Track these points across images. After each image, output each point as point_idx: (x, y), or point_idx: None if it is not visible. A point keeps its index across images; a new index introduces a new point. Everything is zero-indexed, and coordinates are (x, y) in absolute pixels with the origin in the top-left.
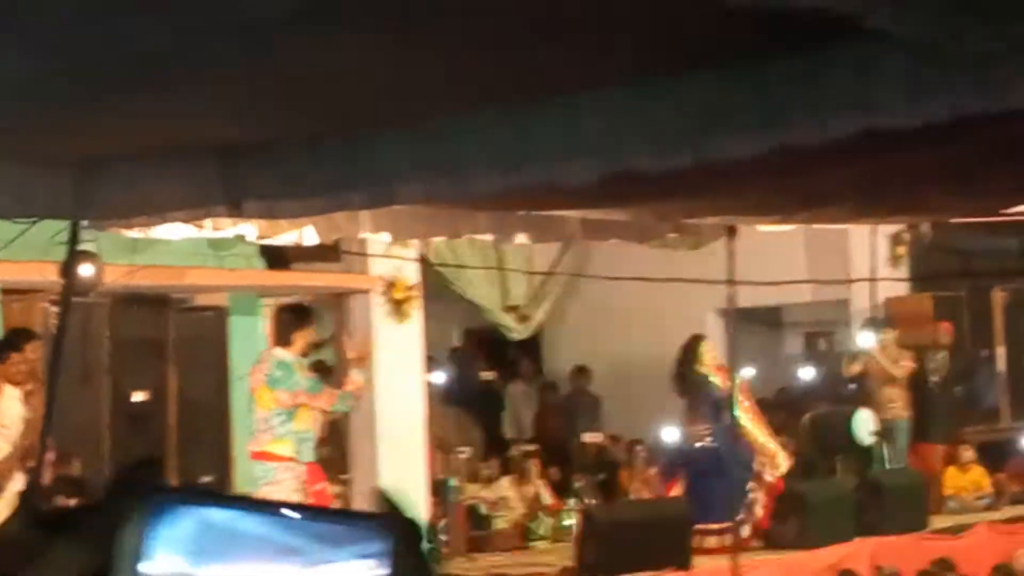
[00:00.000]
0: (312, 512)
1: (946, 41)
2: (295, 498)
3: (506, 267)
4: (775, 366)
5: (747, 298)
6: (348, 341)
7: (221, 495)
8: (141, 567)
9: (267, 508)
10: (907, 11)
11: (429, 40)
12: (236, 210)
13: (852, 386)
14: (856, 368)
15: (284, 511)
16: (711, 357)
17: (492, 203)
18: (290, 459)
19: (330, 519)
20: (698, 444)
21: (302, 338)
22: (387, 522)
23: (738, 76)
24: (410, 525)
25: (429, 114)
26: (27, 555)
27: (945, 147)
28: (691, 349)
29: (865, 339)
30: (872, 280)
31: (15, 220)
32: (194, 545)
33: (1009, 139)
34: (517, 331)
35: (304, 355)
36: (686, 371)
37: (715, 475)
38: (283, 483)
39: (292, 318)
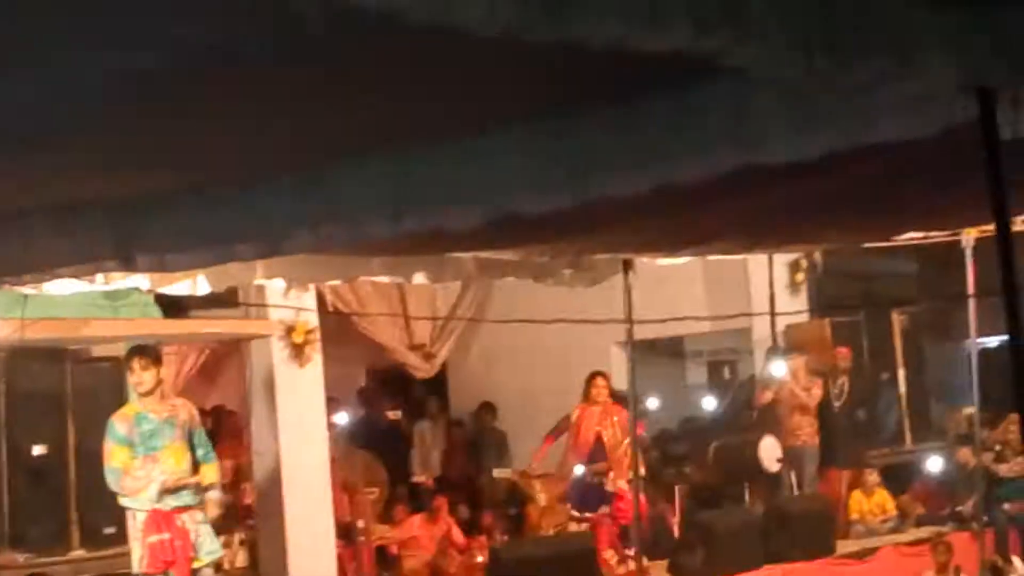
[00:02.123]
0: None
1: (806, 80)
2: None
3: (406, 311)
4: (680, 396)
5: (649, 330)
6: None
7: None
8: None
9: None
10: (761, 52)
11: (314, 90)
12: (127, 264)
13: (755, 414)
14: (768, 396)
15: None
16: (598, 393)
17: (383, 248)
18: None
19: None
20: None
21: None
22: None
23: (616, 116)
24: None
25: (315, 163)
26: None
27: (828, 179)
28: (586, 385)
29: (776, 367)
30: (771, 312)
31: None
32: None
33: (888, 169)
34: (422, 370)
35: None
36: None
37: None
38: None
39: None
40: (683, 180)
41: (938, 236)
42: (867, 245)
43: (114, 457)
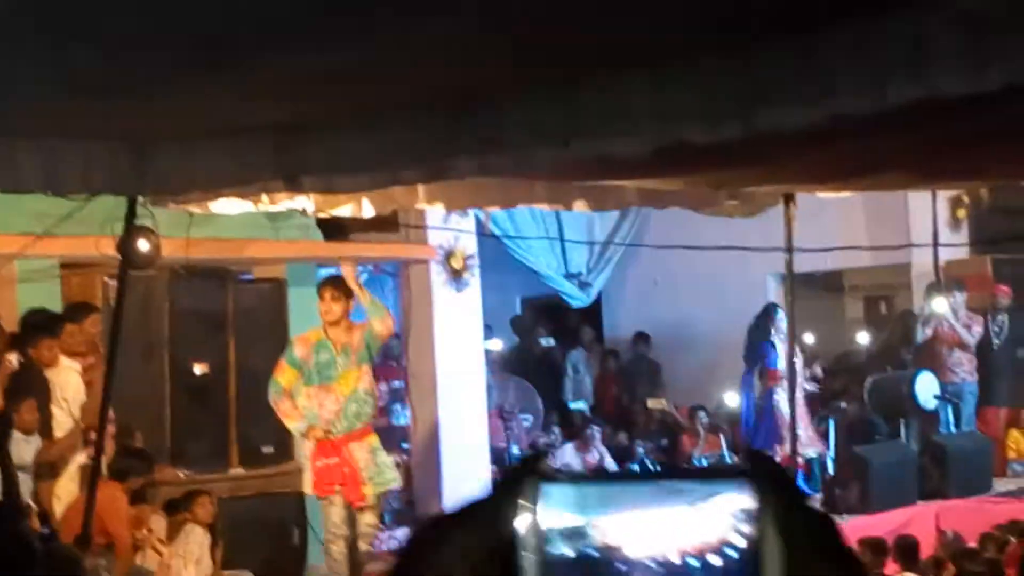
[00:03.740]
0: (676, 469)
1: (1000, 9)
2: None
3: (564, 236)
4: (836, 330)
5: (807, 263)
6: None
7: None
8: (543, 545)
9: (635, 474)
10: None
11: (478, 20)
12: (292, 185)
13: (913, 350)
14: (928, 332)
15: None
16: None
17: (546, 175)
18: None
19: (695, 474)
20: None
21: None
22: (753, 472)
23: (788, 48)
24: (780, 475)
25: (479, 92)
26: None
27: (1003, 111)
28: (764, 317)
29: (936, 303)
30: (933, 245)
31: (73, 196)
32: (581, 509)
33: None
34: (577, 299)
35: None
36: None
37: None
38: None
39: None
40: (856, 112)
41: None
42: None
43: (282, 375)
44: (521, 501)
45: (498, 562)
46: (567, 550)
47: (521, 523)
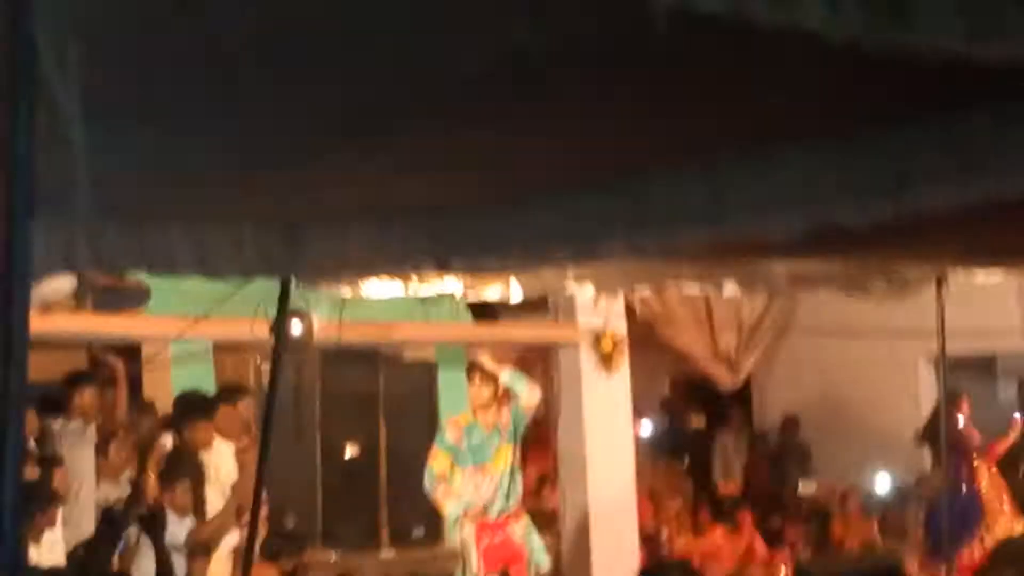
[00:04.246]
0: None
1: None
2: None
3: (712, 321)
4: (991, 413)
5: (959, 346)
6: None
7: None
8: None
9: None
10: None
11: (629, 99)
12: (442, 265)
13: None
14: None
15: None
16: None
17: (694, 256)
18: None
19: None
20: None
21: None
22: None
23: (939, 126)
24: None
25: (629, 171)
26: None
27: None
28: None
29: None
30: None
31: (227, 278)
32: None
33: None
34: (726, 381)
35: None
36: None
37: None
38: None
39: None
40: (1009, 192)
41: None
42: None
43: (436, 461)
44: None
45: None
46: None
47: None
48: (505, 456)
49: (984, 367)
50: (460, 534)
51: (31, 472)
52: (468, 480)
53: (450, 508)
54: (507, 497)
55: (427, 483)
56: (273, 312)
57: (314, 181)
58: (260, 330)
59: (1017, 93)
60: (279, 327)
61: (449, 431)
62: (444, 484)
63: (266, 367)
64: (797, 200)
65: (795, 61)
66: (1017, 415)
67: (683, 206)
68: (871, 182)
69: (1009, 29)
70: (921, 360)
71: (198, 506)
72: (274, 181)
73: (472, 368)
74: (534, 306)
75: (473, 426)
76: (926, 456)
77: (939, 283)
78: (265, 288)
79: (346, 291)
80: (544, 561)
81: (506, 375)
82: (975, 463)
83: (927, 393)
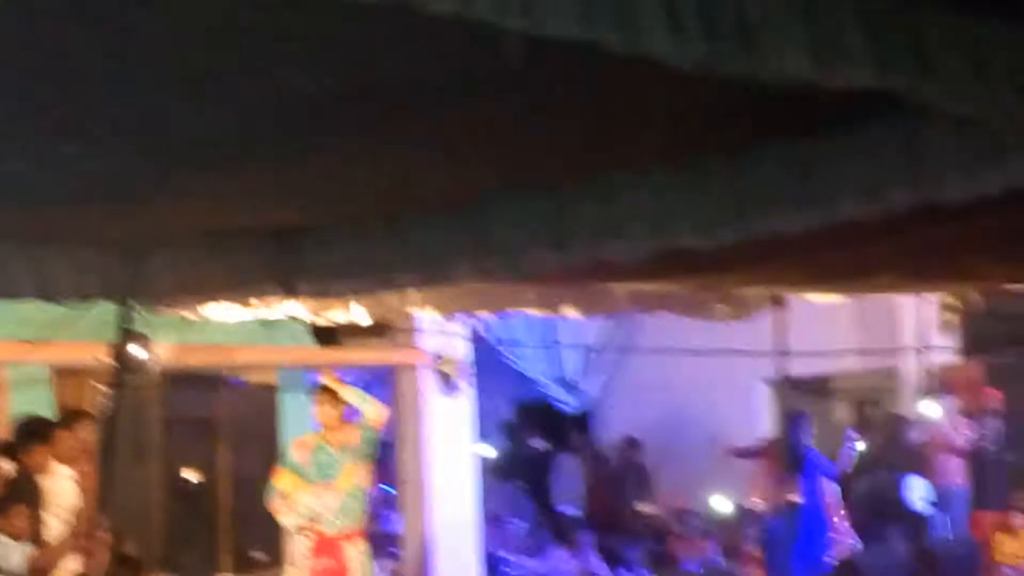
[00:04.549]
0: None
1: (994, 115)
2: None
3: (558, 341)
4: (826, 434)
5: (796, 367)
6: None
7: None
8: None
9: None
10: (955, 88)
11: (476, 125)
12: (286, 289)
13: (903, 454)
14: (919, 436)
15: None
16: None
17: (540, 279)
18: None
19: None
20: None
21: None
22: None
23: (781, 153)
24: None
25: (476, 196)
26: None
27: (996, 216)
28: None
29: (927, 407)
30: (922, 349)
31: (66, 302)
32: None
33: None
34: (569, 404)
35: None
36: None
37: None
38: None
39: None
40: (850, 218)
41: None
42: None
43: (280, 480)
44: None
45: None
46: None
47: None
48: (353, 475)
49: (820, 388)
50: (294, 547)
51: None
52: (311, 494)
53: (288, 519)
54: (351, 513)
55: (268, 498)
56: (114, 336)
57: (156, 206)
58: (100, 354)
59: (859, 121)
60: (119, 351)
61: (295, 451)
62: (283, 499)
63: (107, 391)
64: (642, 225)
65: (642, 89)
66: (854, 435)
67: (529, 231)
68: (715, 208)
69: (854, 57)
70: (758, 382)
71: (35, 532)
72: (115, 206)
73: (318, 391)
74: (376, 328)
75: (321, 447)
76: (761, 475)
77: (778, 302)
78: (105, 312)
79: (188, 314)
80: None
81: (349, 393)
82: (820, 481)
83: (765, 413)
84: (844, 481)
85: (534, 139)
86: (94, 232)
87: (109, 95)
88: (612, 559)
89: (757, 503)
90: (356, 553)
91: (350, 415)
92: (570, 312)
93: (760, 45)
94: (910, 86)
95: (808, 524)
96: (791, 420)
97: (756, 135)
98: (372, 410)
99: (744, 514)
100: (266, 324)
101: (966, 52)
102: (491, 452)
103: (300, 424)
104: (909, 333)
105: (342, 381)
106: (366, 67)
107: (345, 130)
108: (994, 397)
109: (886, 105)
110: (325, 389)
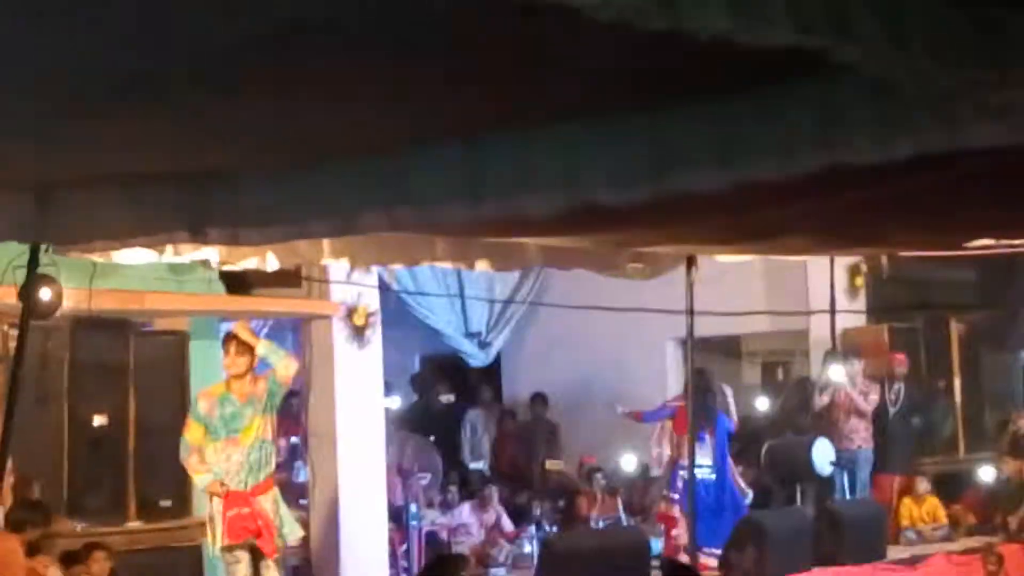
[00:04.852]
0: None
1: (909, 79)
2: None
3: (466, 294)
4: (734, 395)
5: (706, 327)
6: None
7: None
8: None
9: None
10: (873, 50)
11: (389, 74)
12: (199, 237)
13: (809, 416)
14: (824, 399)
15: None
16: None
17: (453, 231)
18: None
19: None
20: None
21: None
22: None
23: (699, 111)
24: None
25: (389, 146)
26: None
27: (906, 182)
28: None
29: (833, 370)
30: (831, 312)
31: None
32: None
33: (971, 175)
34: (477, 358)
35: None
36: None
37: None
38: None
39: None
40: (762, 178)
41: (1010, 246)
42: (931, 254)
43: (189, 431)
44: None
45: None
46: None
47: None
48: (258, 427)
49: (729, 348)
50: (209, 505)
51: None
52: (220, 452)
53: (201, 480)
54: (258, 469)
55: (182, 453)
56: (22, 278)
57: (67, 147)
58: (8, 296)
59: (776, 82)
60: (28, 293)
61: (202, 402)
62: (197, 455)
63: (13, 334)
64: (556, 179)
65: (560, 40)
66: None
67: (443, 182)
68: (631, 163)
69: (773, 16)
70: (668, 341)
71: None
72: (24, 146)
73: (228, 338)
74: (287, 277)
75: (226, 396)
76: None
77: (689, 263)
78: (13, 253)
79: (97, 257)
80: (294, 533)
81: (262, 346)
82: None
83: (673, 372)
84: (746, 441)
85: (450, 87)
86: (5, 173)
87: (17, 29)
88: (519, 515)
89: (660, 461)
90: (269, 503)
91: (259, 367)
92: (482, 266)
93: (681, 2)
94: (827, 46)
95: (716, 483)
96: (699, 379)
97: (674, 92)
98: (282, 364)
99: (647, 473)
100: (176, 271)
101: (884, 15)
102: (398, 404)
103: (210, 372)
104: (818, 296)
105: (254, 332)
106: (280, 8)
107: (258, 74)
108: (900, 361)
109: (803, 66)
110: (236, 338)
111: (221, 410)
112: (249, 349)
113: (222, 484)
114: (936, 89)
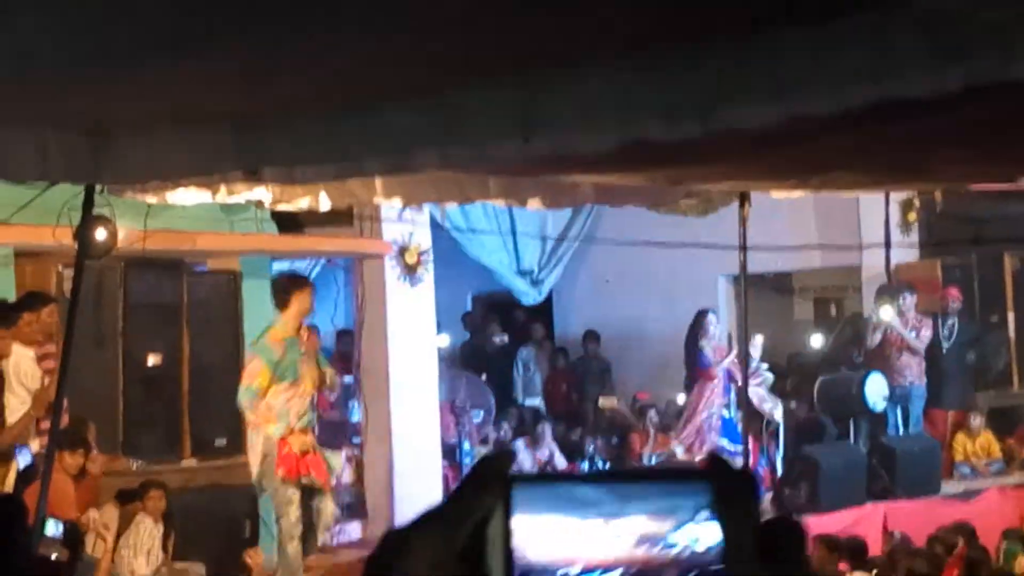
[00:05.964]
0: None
1: (962, 9)
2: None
3: (518, 232)
4: (786, 331)
5: (758, 264)
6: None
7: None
8: (513, 548)
9: (602, 476)
10: None
11: (441, 10)
12: (252, 176)
13: (862, 352)
14: (878, 335)
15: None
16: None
17: (505, 169)
18: None
19: (659, 476)
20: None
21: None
22: (713, 475)
23: (750, 46)
24: (740, 479)
25: (442, 84)
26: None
27: (961, 114)
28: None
29: (884, 311)
30: (886, 246)
31: (30, 184)
32: (550, 511)
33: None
34: (529, 296)
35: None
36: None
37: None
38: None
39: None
40: (816, 112)
41: None
42: (985, 188)
43: (258, 378)
44: (490, 503)
45: (468, 566)
46: (536, 553)
47: (491, 526)
48: (313, 377)
49: (781, 285)
50: (265, 447)
51: None
52: (281, 395)
53: (272, 428)
54: (312, 411)
55: (243, 400)
56: (77, 219)
57: (122, 87)
58: (63, 236)
59: (826, 15)
60: (82, 234)
61: (274, 347)
62: (264, 404)
63: (69, 274)
64: (609, 116)
65: None
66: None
67: (495, 120)
68: (681, 100)
69: None
70: (720, 277)
71: None
72: (80, 85)
73: (302, 280)
74: (339, 216)
75: (292, 340)
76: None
77: (742, 199)
78: (69, 194)
79: (151, 198)
80: (341, 468)
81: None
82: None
83: (727, 309)
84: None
85: (502, 24)
86: (59, 113)
87: None
88: (572, 452)
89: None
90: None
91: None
92: (534, 203)
93: None
94: None
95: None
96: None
97: (725, 29)
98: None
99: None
100: (229, 211)
101: None
102: (452, 343)
103: (261, 313)
104: (871, 231)
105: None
106: None
107: (312, 15)
108: (953, 296)
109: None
110: (308, 281)
111: (290, 355)
112: (314, 290)
113: (287, 430)
114: (989, 19)
